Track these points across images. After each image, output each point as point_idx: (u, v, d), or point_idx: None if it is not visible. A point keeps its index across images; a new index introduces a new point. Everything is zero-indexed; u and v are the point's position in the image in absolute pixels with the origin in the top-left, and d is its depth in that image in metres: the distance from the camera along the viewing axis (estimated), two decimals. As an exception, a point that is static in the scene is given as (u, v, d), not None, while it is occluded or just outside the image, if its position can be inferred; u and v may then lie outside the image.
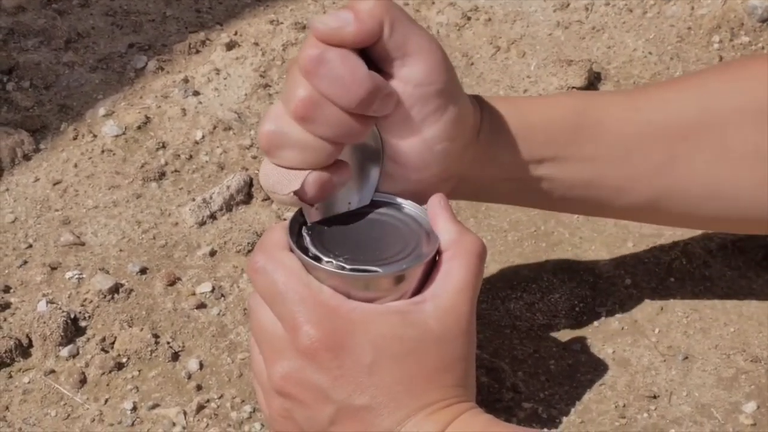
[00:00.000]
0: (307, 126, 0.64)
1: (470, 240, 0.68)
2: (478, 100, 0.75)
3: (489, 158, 0.75)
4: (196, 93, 1.16)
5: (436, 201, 0.70)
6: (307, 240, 0.68)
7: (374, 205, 0.72)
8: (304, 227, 0.69)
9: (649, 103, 0.78)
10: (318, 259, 0.66)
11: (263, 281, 0.66)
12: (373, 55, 0.66)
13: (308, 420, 0.65)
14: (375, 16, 0.64)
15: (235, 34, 1.26)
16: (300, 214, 0.70)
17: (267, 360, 0.67)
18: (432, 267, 0.68)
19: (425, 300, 0.67)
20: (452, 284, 0.67)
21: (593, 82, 1.16)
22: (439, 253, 0.68)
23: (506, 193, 0.80)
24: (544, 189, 0.78)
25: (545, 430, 0.81)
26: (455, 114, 0.69)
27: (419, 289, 0.67)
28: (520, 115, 0.75)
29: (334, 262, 0.66)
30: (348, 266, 0.65)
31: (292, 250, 0.67)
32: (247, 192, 1.03)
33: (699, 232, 0.98)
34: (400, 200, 0.71)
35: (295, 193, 0.66)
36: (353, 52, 0.64)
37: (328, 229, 0.69)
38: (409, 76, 0.67)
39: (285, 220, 0.98)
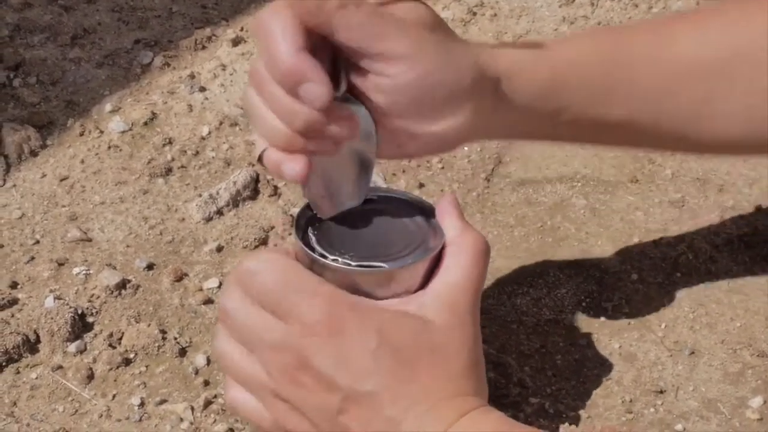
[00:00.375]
0: (261, 96, 0.65)
1: (472, 236, 0.69)
2: (493, 59, 0.71)
3: (505, 118, 0.74)
4: (203, 89, 1.17)
5: (446, 200, 0.70)
6: (313, 239, 0.68)
7: (382, 201, 0.72)
8: (310, 226, 0.69)
9: (678, 41, 0.76)
10: (324, 257, 0.66)
11: (259, 280, 0.66)
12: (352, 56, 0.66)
13: (316, 411, 0.65)
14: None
15: (241, 29, 1.26)
16: (305, 211, 0.70)
17: (267, 359, 0.66)
18: (437, 263, 0.68)
19: (425, 294, 0.67)
20: (452, 278, 0.67)
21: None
22: (444, 249, 0.68)
23: (524, 133, 0.79)
24: (569, 132, 0.78)
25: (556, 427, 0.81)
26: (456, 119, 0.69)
27: (423, 284, 0.68)
28: (547, 77, 0.73)
29: (339, 258, 0.66)
30: (354, 262, 0.66)
31: (298, 248, 0.68)
32: (254, 188, 1.03)
33: (705, 226, 0.98)
34: (408, 196, 0.72)
35: (258, 159, 0.67)
36: (294, 29, 0.63)
37: (334, 226, 0.69)
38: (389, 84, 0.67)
39: (291, 215, 0.99)
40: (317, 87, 0.63)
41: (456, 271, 0.67)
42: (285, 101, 0.64)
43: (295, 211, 0.98)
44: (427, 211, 0.71)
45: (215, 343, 0.70)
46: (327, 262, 0.66)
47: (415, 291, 0.67)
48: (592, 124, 0.76)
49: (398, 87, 0.66)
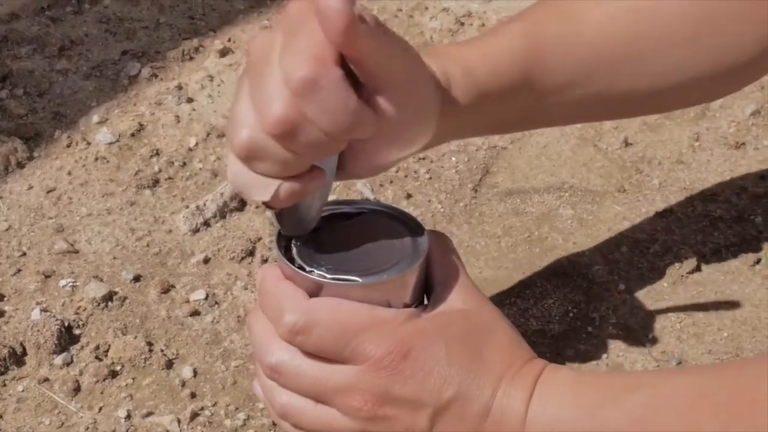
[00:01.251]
0: (283, 142, 0.60)
1: (439, 234, 0.71)
2: (441, 76, 0.71)
3: (452, 125, 0.74)
4: (190, 100, 1.16)
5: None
6: (294, 251, 0.68)
7: (369, 214, 0.72)
8: (293, 238, 0.69)
9: (588, 17, 0.79)
10: (302, 268, 0.66)
11: (316, 335, 0.65)
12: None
13: None
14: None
15: (229, 40, 1.26)
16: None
17: (342, 404, 0.66)
18: (423, 275, 0.68)
19: (439, 292, 0.69)
20: (449, 271, 0.69)
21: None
22: (426, 264, 0.68)
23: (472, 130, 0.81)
24: (512, 122, 0.80)
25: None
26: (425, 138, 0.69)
27: (417, 294, 0.68)
28: (475, 86, 0.74)
29: (316, 270, 0.66)
30: (329, 275, 0.66)
31: (279, 260, 0.67)
32: (241, 199, 1.03)
33: (693, 237, 0.98)
34: (395, 211, 0.72)
35: (264, 202, 0.64)
36: (346, 79, 0.59)
37: (317, 239, 0.69)
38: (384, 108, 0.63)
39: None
40: (374, 125, 0.62)
41: (447, 263, 0.70)
42: (324, 139, 0.60)
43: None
44: (412, 227, 0.71)
45: (275, 400, 0.69)
46: (304, 273, 0.66)
47: (412, 301, 0.68)
48: (521, 118, 0.79)
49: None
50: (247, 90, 0.61)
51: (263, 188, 0.63)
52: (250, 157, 0.62)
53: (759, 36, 0.81)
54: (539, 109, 0.79)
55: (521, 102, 0.77)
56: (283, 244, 0.69)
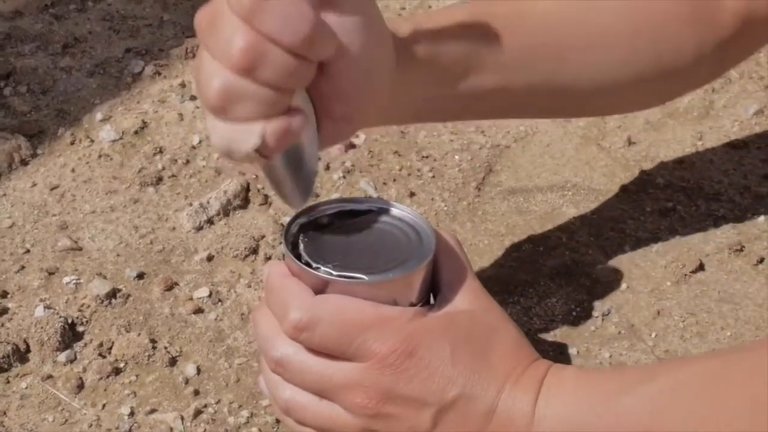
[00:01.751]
0: (252, 75, 0.59)
1: (446, 234, 0.71)
2: (391, 28, 0.71)
3: (403, 85, 0.73)
4: (193, 98, 1.17)
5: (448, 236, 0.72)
6: (301, 247, 0.68)
7: (377, 212, 0.72)
8: (301, 234, 0.69)
9: (538, 4, 0.80)
10: (309, 265, 0.66)
11: (320, 332, 0.65)
12: None
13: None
14: None
15: (232, 38, 1.26)
16: (296, 219, 0.70)
17: (345, 400, 0.66)
18: (431, 274, 0.69)
19: (445, 293, 0.69)
20: (455, 272, 0.70)
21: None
22: (432, 263, 0.68)
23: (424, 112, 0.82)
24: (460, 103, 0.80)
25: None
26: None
27: (423, 293, 0.68)
28: (423, 43, 0.74)
29: (322, 267, 0.66)
30: (335, 272, 0.66)
31: (286, 256, 0.68)
32: (244, 197, 1.03)
33: (697, 236, 0.99)
34: (402, 209, 0.72)
35: (256, 148, 0.62)
36: None
37: (324, 236, 0.69)
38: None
39: (282, 224, 0.99)
40: (333, 38, 0.62)
41: (454, 264, 0.70)
42: (290, 60, 0.60)
43: (286, 219, 0.98)
44: (419, 225, 0.71)
45: (279, 395, 0.69)
46: (310, 270, 0.66)
47: (418, 300, 0.68)
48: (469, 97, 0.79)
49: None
50: (206, 53, 0.61)
51: (248, 135, 0.61)
52: (226, 105, 0.61)
53: (699, 39, 0.82)
54: (486, 91, 0.78)
55: (470, 78, 0.76)
56: (290, 240, 0.69)
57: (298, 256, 0.67)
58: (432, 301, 0.69)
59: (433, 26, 0.75)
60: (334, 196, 0.69)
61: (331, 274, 0.66)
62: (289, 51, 0.59)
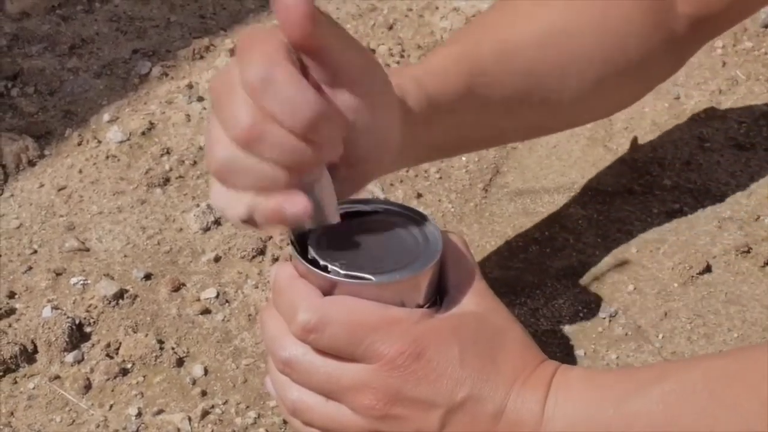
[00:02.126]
0: (253, 150, 0.61)
1: (454, 236, 0.71)
2: (395, 87, 0.72)
3: (409, 138, 0.75)
4: (200, 99, 1.17)
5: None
6: (309, 248, 0.68)
7: (385, 213, 0.72)
8: (308, 236, 0.69)
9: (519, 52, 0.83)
10: (315, 264, 0.66)
11: (328, 334, 0.65)
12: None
13: None
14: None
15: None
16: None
17: (353, 402, 0.66)
18: (438, 274, 0.68)
19: (453, 294, 0.69)
20: (463, 274, 0.70)
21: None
22: (438, 264, 0.68)
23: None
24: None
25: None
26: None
27: (430, 294, 0.68)
28: (427, 97, 0.76)
29: (329, 268, 0.66)
30: (343, 273, 0.66)
31: (293, 257, 0.68)
32: (252, 198, 1.03)
33: (704, 238, 0.98)
34: (409, 210, 0.72)
35: (243, 220, 0.64)
36: (301, 74, 0.60)
37: (332, 237, 0.69)
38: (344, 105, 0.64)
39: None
40: (342, 123, 0.64)
41: (461, 265, 0.70)
42: (292, 140, 0.61)
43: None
44: (427, 227, 0.71)
45: (286, 396, 0.69)
46: (316, 269, 0.66)
47: (425, 301, 0.68)
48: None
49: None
50: (216, 119, 0.63)
51: (239, 204, 0.63)
52: (226, 174, 0.63)
53: (642, 37, 0.86)
54: (490, 125, 0.83)
55: (472, 116, 0.79)
56: (298, 241, 0.69)
57: (306, 257, 0.67)
58: (439, 302, 0.69)
59: (433, 80, 0.77)
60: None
61: (338, 275, 0.66)
62: (292, 132, 0.60)
